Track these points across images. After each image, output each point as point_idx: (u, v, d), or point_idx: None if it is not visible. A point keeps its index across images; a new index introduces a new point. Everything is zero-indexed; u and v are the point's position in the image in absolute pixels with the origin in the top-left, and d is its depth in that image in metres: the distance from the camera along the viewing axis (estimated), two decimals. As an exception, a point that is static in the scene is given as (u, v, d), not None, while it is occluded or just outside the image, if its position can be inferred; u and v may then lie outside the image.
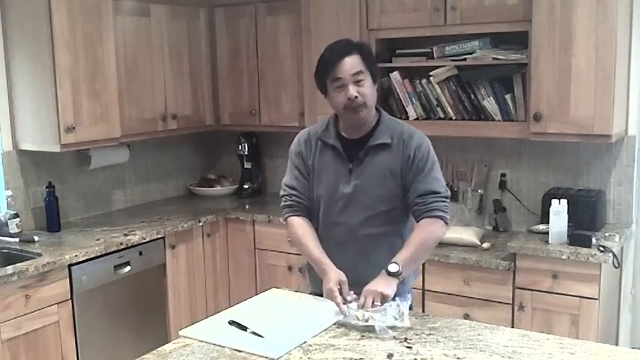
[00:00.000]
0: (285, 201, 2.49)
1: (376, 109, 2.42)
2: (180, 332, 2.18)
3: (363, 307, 2.15)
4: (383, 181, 2.35)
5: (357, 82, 2.29)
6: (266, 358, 1.95)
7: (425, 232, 2.32)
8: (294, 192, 2.46)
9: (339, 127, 2.42)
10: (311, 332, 2.11)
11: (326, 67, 2.32)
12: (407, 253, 2.28)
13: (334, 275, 2.25)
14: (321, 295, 2.31)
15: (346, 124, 2.40)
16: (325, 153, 2.41)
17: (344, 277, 2.25)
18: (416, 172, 2.34)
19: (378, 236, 2.37)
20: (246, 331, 2.12)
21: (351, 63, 2.28)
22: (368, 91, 2.31)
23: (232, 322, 2.19)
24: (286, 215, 2.49)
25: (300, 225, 2.44)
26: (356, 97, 2.28)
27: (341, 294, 2.20)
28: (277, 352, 1.97)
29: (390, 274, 2.21)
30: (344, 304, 2.18)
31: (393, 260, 2.24)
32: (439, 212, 2.32)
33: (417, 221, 2.36)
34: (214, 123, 4.49)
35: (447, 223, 2.37)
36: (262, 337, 2.07)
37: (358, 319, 2.11)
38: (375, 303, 2.14)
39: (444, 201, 2.35)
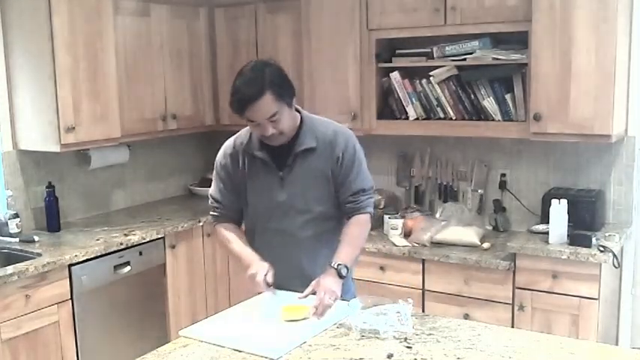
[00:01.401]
0: (213, 211, 2.58)
1: (297, 110, 2.41)
2: (180, 332, 2.18)
3: (320, 303, 2.20)
4: (315, 185, 2.40)
5: (273, 122, 2.25)
6: (266, 358, 1.95)
7: (360, 229, 2.44)
8: (219, 205, 2.54)
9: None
10: (311, 332, 2.11)
11: (238, 110, 2.27)
12: (349, 251, 2.38)
13: (257, 265, 2.33)
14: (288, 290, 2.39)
15: None
16: (254, 164, 2.42)
17: (267, 267, 2.32)
18: (346, 172, 2.40)
19: (319, 235, 2.43)
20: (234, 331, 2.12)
21: (263, 107, 2.22)
22: (284, 122, 2.29)
23: (222, 322, 2.21)
24: (213, 224, 2.60)
25: (224, 230, 2.54)
26: (272, 133, 2.29)
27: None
28: (277, 352, 1.97)
29: (341, 277, 2.30)
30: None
31: (340, 262, 2.31)
32: (369, 209, 2.45)
33: (349, 217, 2.45)
34: (214, 123, 4.49)
35: (372, 216, 2.49)
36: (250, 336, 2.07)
37: (364, 323, 2.11)
38: (330, 300, 2.21)
39: (371, 196, 2.47)
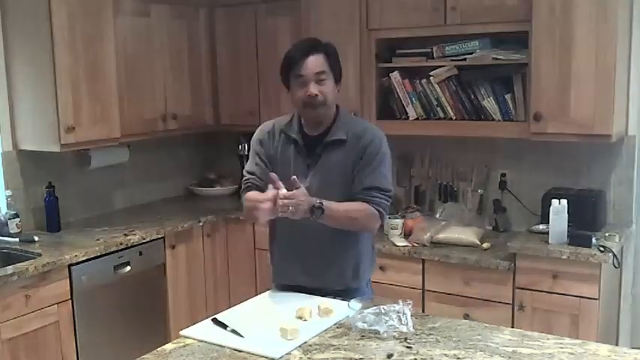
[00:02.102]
0: (244, 184, 2.53)
1: (336, 107, 2.46)
2: (181, 332, 2.17)
3: (283, 195, 2.19)
4: (338, 177, 2.40)
5: (319, 81, 2.35)
6: (266, 358, 1.95)
7: (363, 209, 2.34)
8: (252, 176, 2.50)
9: (302, 122, 2.47)
10: (311, 332, 2.11)
11: (290, 62, 2.38)
12: (337, 206, 2.29)
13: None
14: (288, 287, 2.43)
15: (305, 120, 2.45)
16: (287, 146, 2.46)
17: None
18: (364, 164, 2.38)
19: (335, 230, 2.38)
20: (226, 329, 2.13)
21: (315, 62, 2.35)
22: (328, 89, 2.37)
23: (215, 321, 2.21)
24: (243, 194, 2.49)
25: (250, 193, 2.40)
26: (316, 95, 2.33)
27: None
28: (277, 352, 1.97)
29: (312, 208, 2.22)
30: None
31: (324, 204, 2.24)
32: (379, 207, 2.36)
33: None
34: (214, 123, 4.49)
35: (382, 221, 2.42)
36: (242, 336, 2.07)
37: (363, 323, 2.12)
38: (287, 200, 2.17)
39: (386, 199, 2.39)
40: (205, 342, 2.07)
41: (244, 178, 2.55)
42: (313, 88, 2.33)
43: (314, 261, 2.45)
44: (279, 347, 2.00)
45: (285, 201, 2.19)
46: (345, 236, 2.43)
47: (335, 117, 2.44)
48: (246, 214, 2.45)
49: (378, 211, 2.37)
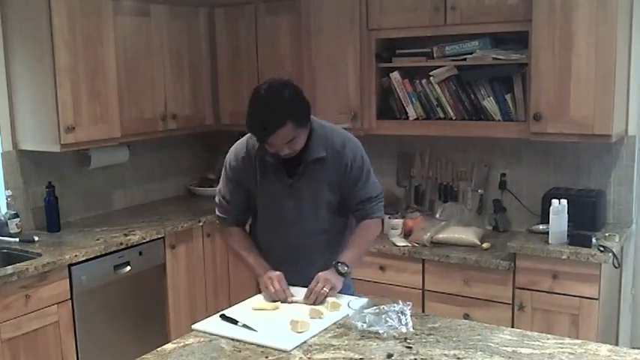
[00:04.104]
0: (220, 212, 2.57)
1: None
2: (194, 326, 2.19)
3: (312, 290, 2.29)
4: (323, 193, 2.42)
5: (290, 143, 2.27)
6: (279, 350, 1.97)
7: (367, 232, 2.50)
8: (228, 206, 2.53)
9: None
10: (322, 325, 2.13)
11: (256, 136, 2.30)
12: (353, 253, 2.43)
13: (270, 272, 2.39)
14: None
15: None
16: (266, 168, 2.42)
17: (280, 275, 2.37)
18: (354, 181, 2.43)
19: (327, 242, 2.48)
20: (236, 324, 2.16)
21: (283, 135, 2.23)
22: (300, 142, 2.31)
23: (224, 317, 2.22)
24: (222, 225, 2.60)
25: (235, 236, 2.56)
26: (288, 152, 2.31)
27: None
28: (289, 344, 2.00)
29: (340, 274, 2.35)
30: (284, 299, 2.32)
31: (341, 261, 2.36)
32: (377, 214, 2.51)
33: (358, 222, 2.51)
34: (214, 123, 4.49)
35: (383, 220, 2.60)
36: (256, 330, 2.10)
37: (363, 323, 2.12)
38: (325, 289, 2.28)
39: (380, 201, 2.52)
40: (218, 336, 2.09)
41: (219, 202, 2.56)
42: (284, 150, 2.29)
43: (301, 266, 2.45)
44: (291, 340, 2.02)
45: (323, 293, 2.28)
46: (330, 239, 2.48)
47: (310, 133, 2.37)
48: (231, 254, 2.56)
49: (378, 217, 2.51)
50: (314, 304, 2.26)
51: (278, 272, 2.39)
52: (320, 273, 2.34)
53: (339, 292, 2.37)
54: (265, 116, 2.22)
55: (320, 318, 2.19)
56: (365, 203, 2.46)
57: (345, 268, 2.36)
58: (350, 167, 2.40)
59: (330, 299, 2.29)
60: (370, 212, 2.48)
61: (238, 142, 2.53)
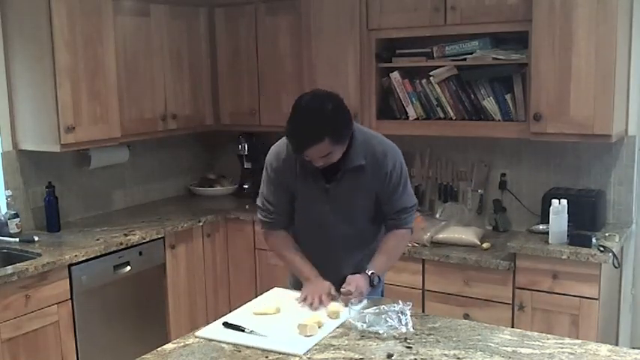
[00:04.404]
0: (264, 217, 2.51)
1: None
2: (197, 333, 2.15)
3: (347, 293, 2.29)
4: (360, 200, 2.42)
5: (325, 157, 2.25)
6: (289, 355, 1.96)
7: (400, 242, 2.54)
8: (272, 209, 2.48)
9: None
10: (328, 328, 2.13)
11: (293, 148, 2.27)
12: (384, 261, 2.47)
13: (317, 281, 2.40)
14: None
15: None
16: (305, 171, 2.39)
17: (329, 286, 2.39)
18: (392, 190, 2.42)
19: (361, 248, 2.49)
20: (244, 331, 2.13)
21: (319, 150, 2.20)
22: (336, 156, 2.29)
23: (227, 324, 2.19)
24: (266, 229, 2.54)
25: (280, 241, 2.53)
26: (321, 165, 2.29)
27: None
28: (300, 348, 1.99)
29: (372, 284, 2.37)
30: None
31: (373, 270, 2.38)
32: (409, 225, 2.51)
33: (389, 230, 2.51)
34: (214, 123, 4.49)
35: (412, 231, 2.58)
36: (265, 336, 2.08)
37: (363, 323, 2.12)
38: (354, 295, 2.28)
39: (413, 213, 2.53)
40: (226, 343, 2.06)
41: (263, 206, 2.50)
42: (319, 162, 2.27)
43: (331, 270, 2.45)
44: (301, 344, 2.02)
45: (350, 297, 2.29)
46: (364, 242, 2.50)
47: (351, 139, 2.33)
48: (276, 260, 2.58)
49: (409, 228, 2.52)
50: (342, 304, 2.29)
51: (328, 284, 2.38)
52: (352, 277, 2.35)
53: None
54: (303, 129, 2.20)
55: (337, 318, 2.19)
56: (400, 213, 2.45)
57: (377, 280, 2.39)
58: (390, 176, 2.38)
59: (330, 306, 2.27)
60: (403, 223, 2.47)
61: (278, 143, 2.47)
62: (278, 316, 2.27)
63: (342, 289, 2.32)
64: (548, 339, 2.05)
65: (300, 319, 2.14)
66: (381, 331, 2.07)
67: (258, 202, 2.52)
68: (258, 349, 2.01)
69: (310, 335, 2.07)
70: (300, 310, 2.29)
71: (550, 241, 3.14)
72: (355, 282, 2.32)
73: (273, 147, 2.49)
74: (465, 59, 3.50)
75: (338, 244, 2.45)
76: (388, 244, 2.48)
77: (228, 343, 2.06)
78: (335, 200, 2.39)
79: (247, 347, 2.02)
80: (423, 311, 3.29)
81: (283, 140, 2.43)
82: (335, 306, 2.26)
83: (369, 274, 2.37)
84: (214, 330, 2.18)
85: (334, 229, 2.43)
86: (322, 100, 2.23)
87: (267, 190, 2.48)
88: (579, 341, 2.06)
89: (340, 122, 2.25)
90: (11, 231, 3.47)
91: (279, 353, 1.98)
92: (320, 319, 2.16)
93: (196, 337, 2.13)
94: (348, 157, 2.33)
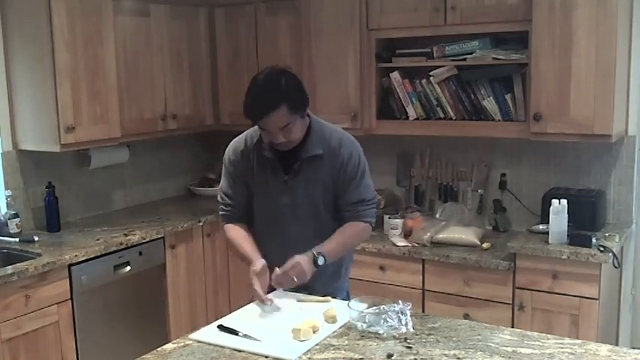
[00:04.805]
0: (222, 210, 2.55)
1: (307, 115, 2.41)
2: (191, 336, 2.14)
3: (283, 271, 2.28)
4: (317, 191, 2.41)
5: (284, 130, 2.27)
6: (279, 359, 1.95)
7: (354, 231, 2.44)
8: (230, 201, 2.51)
9: None
10: (323, 333, 2.10)
11: (252, 119, 2.30)
12: (333, 246, 2.37)
13: (259, 263, 2.33)
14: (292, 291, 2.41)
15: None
16: (262, 164, 2.41)
17: (264, 266, 2.33)
18: (347, 181, 2.40)
19: (321, 240, 2.40)
20: (237, 335, 2.11)
21: (277, 119, 2.23)
22: (296, 132, 2.31)
23: (221, 327, 2.17)
24: (224, 222, 2.56)
25: (233, 229, 2.51)
26: (283, 141, 2.30)
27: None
28: (294, 353, 1.97)
29: (315, 264, 2.31)
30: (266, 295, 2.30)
31: (321, 252, 2.32)
32: (368, 219, 2.45)
33: (346, 222, 2.45)
34: (214, 123, 4.49)
35: (373, 227, 2.51)
36: (259, 340, 2.06)
37: (363, 323, 2.11)
38: (293, 279, 2.27)
39: (372, 207, 2.47)
40: (220, 346, 2.04)
41: (221, 200, 2.54)
42: (279, 138, 2.29)
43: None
44: (295, 349, 2.00)
45: (285, 279, 2.26)
46: (324, 240, 2.42)
47: (308, 129, 2.37)
48: (233, 254, 2.51)
49: (368, 222, 2.45)
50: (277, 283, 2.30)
51: (262, 262, 2.33)
52: (296, 256, 2.29)
53: (333, 297, 2.37)
54: (260, 98, 2.26)
55: (333, 322, 2.17)
56: (357, 205, 2.41)
57: (322, 260, 2.32)
58: (344, 167, 2.38)
59: (326, 309, 2.24)
60: (360, 215, 2.43)
61: (237, 137, 2.53)
62: (274, 319, 2.24)
63: (275, 272, 2.28)
64: (548, 339, 2.05)
65: (295, 323, 2.11)
66: (381, 331, 2.07)
67: (218, 197, 2.56)
68: (250, 353, 1.99)
69: (304, 340, 2.05)
70: (297, 314, 2.25)
71: (550, 241, 3.15)
72: (295, 262, 2.27)
73: (232, 141, 2.53)
74: (464, 59, 3.50)
75: (297, 240, 2.39)
76: (344, 232, 2.42)
77: (224, 347, 2.04)
78: (294, 192, 2.39)
79: (239, 351, 2.00)
80: (423, 311, 3.29)
81: (242, 135, 2.50)
82: (332, 310, 2.23)
83: (315, 252, 2.31)
84: (209, 333, 2.16)
85: (294, 222, 2.42)
86: (277, 73, 2.29)
87: (226, 184, 2.51)
88: (579, 341, 2.05)
89: (295, 91, 2.29)
90: (11, 231, 3.47)
91: (272, 358, 1.96)
92: (316, 324, 2.13)
93: (190, 339, 2.11)
94: (305, 147, 2.36)
